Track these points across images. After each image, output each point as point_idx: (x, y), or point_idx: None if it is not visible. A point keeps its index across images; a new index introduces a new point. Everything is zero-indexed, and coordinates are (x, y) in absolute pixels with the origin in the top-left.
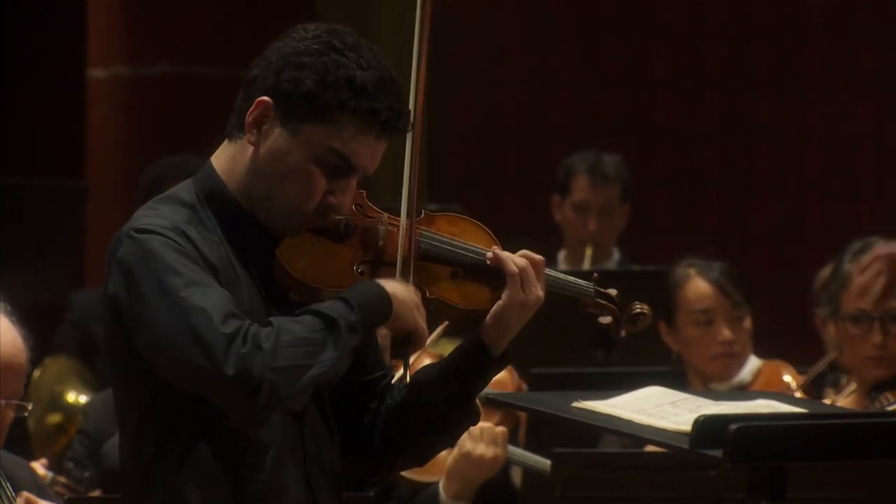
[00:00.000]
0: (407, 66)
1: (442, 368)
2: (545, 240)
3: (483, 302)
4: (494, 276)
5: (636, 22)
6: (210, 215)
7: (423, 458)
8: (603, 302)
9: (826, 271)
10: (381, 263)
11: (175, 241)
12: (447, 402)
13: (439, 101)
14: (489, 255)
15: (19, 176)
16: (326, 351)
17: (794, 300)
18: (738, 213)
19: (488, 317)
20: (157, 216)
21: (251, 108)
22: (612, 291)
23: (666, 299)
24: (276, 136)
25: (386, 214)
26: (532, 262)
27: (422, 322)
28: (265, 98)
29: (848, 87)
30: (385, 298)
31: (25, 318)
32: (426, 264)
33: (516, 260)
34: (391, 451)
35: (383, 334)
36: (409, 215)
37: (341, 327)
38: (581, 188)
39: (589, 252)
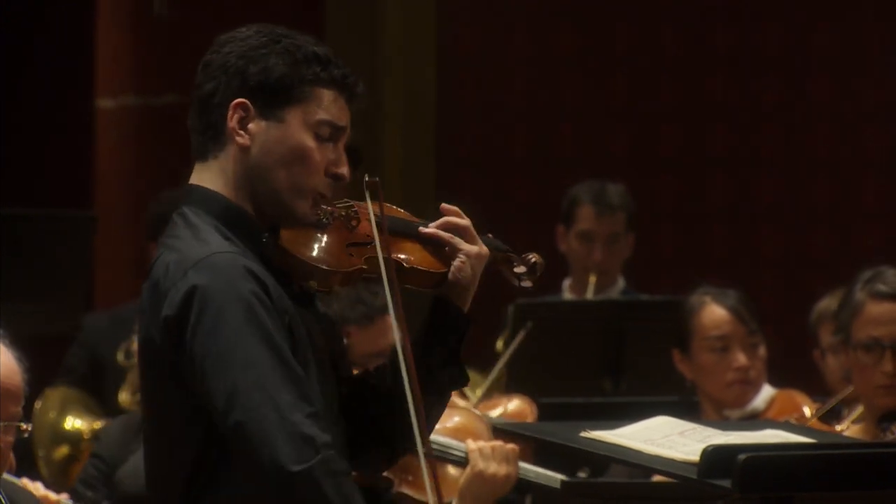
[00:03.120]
0: (412, 67)
1: (424, 339)
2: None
3: (442, 266)
4: (438, 243)
5: (642, 52)
6: (229, 232)
7: (430, 426)
8: (509, 255)
9: (823, 304)
10: (361, 243)
11: (255, 290)
12: (440, 367)
13: (446, 130)
14: (422, 230)
15: (27, 206)
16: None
17: (800, 330)
18: (745, 243)
19: (452, 275)
20: (214, 243)
21: (230, 114)
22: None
23: (680, 327)
24: (265, 131)
25: (347, 200)
26: (458, 216)
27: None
28: (241, 100)
29: (856, 116)
30: None
31: (33, 347)
32: (394, 239)
33: (453, 220)
34: (399, 433)
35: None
36: (373, 200)
37: None
38: (586, 218)
39: (593, 279)
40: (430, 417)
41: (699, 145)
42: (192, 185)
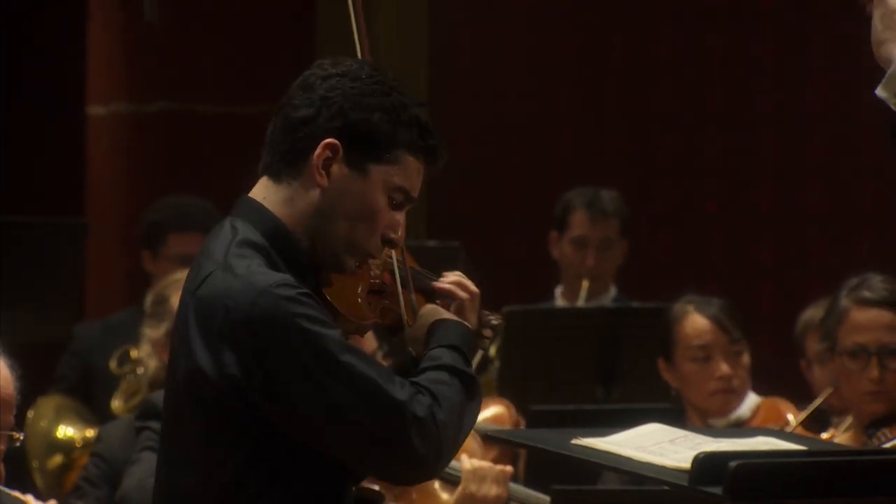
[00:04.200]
0: (405, 73)
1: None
2: (542, 275)
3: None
4: (432, 298)
5: (637, 59)
6: (278, 258)
7: None
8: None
9: (808, 315)
10: (378, 292)
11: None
12: None
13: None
14: (443, 282)
15: (18, 213)
16: (469, 416)
17: (795, 337)
18: (740, 250)
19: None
20: (265, 271)
21: (318, 151)
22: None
23: (664, 336)
24: (346, 178)
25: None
26: (470, 293)
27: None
28: (333, 140)
29: (850, 123)
30: (466, 330)
31: (25, 355)
32: (406, 293)
33: (467, 286)
34: None
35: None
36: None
37: (476, 388)
38: (579, 224)
39: (585, 285)
40: None
41: (694, 152)
42: (250, 197)
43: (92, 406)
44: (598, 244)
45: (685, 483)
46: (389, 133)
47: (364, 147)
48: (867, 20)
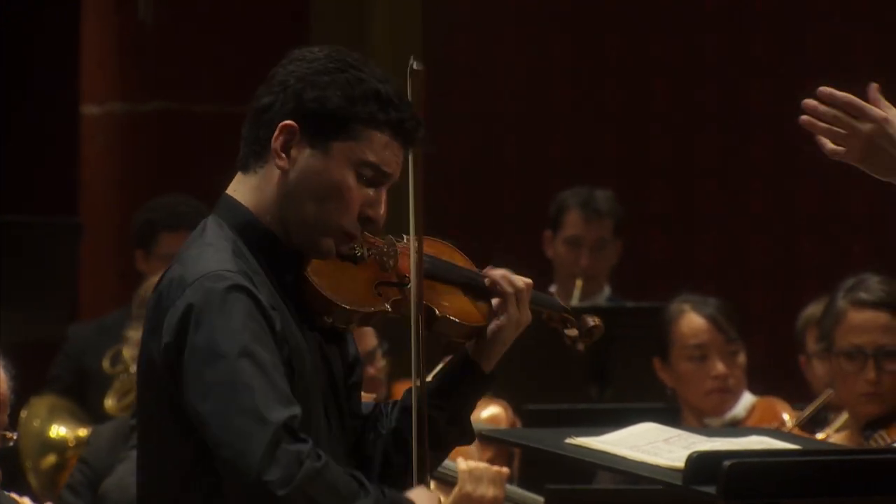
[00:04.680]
0: (399, 74)
1: (438, 391)
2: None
3: (479, 320)
4: (484, 295)
5: (632, 60)
6: (245, 248)
7: (422, 477)
8: (566, 315)
9: (809, 311)
10: (393, 284)
11: (251, 310)
12: (448, 422)
13: (435, 136)
14: (488, 276)
15: (12, 213)
16: None
17: (788, 338)
18: (733, 251)
19: (488, 334)
20: (218, 259)
21: (275, 134)
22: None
23: (660, 335)
24: (307, 158)
25: (391, 237)
26: (525, 283)
27: None
28: (289, 122)
29: None
30: None
31: (19, 354)
32: (433, 283)
33: (513, 280)
34: (393, 475)
35: (379, 367)
36: (416, 236)
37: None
38: (573, 223)
39: (579, 284)
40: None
41: (689, 153)
42: (225, 193)
43: (86, 406)
44: (592, 244)
45: (679, 482)
46: (345, 108)
47: (321, 125)
48: (862, 21)
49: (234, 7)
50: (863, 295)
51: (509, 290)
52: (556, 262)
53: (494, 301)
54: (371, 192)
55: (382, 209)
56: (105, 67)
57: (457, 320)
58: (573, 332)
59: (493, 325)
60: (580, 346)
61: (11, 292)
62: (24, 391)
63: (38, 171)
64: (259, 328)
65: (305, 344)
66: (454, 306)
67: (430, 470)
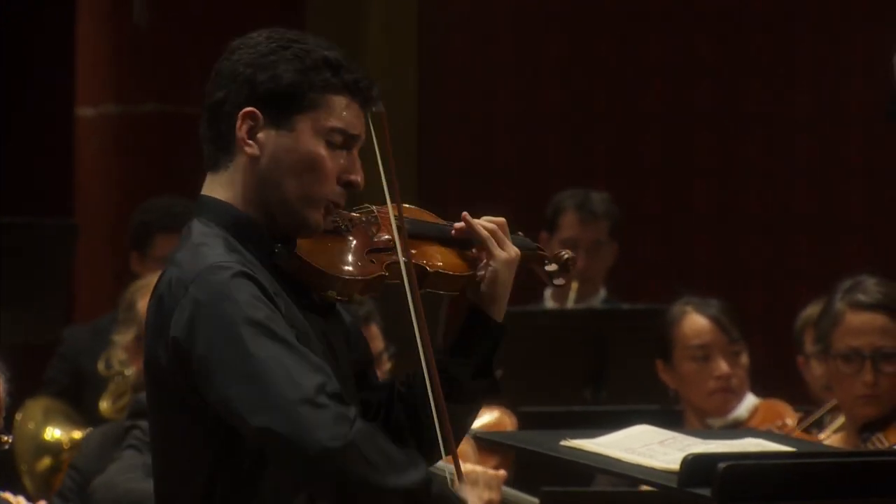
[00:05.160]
0: (396, 71)
1: (457, 348)
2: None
3: (468, 268)
4: (467, 245)
5: (626, 59)
6: (236, 242)
7: (460, 435)
8: (541, 253)
9: (808, 312)
10: (382, 249)
11: (255, 293)
12: (475, 376)
13: (430, 140)
14: (456, 224)
15: (7, 214)
16: (403, 477)
17: (784, 339)
18: (729, 252)
19: (485, 280)
20: (213, 254)
21: (238, 124)
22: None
23: (662, 337)
24: (275, 138)
25: (367, 205)
26: (496, 223)
27: None
28: (249, 108)
29: (838, 126)
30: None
31: (14, 356)
32: (416, 243)
33: (484, 224)
34: (426, 444)
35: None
36: (392, 200)
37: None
38: (569, 225)
39: (575, 286)
40: (463, 426)
41: (683, 154)
42: (202, 195)
43: (82, 409)
44: (587, 246)
45: (674, 485)
46: (300, 80)
47: (281, 103)
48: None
49: (229, 10)
50: (860, 297)
51: (484, 233)
52: None
53: (476, 248)
54: (343, 157)
55: (360, 172)
56: (100, 69)
57: (448, 272)
58: (552, 266)
59: (488, 271)
60: (560, 281)
61: (6, 293)
62: (19, 393)
63: (34, 172)
64: (269, 309)
65: (310, 327)
66: (442, 260)
67: (461, 429)
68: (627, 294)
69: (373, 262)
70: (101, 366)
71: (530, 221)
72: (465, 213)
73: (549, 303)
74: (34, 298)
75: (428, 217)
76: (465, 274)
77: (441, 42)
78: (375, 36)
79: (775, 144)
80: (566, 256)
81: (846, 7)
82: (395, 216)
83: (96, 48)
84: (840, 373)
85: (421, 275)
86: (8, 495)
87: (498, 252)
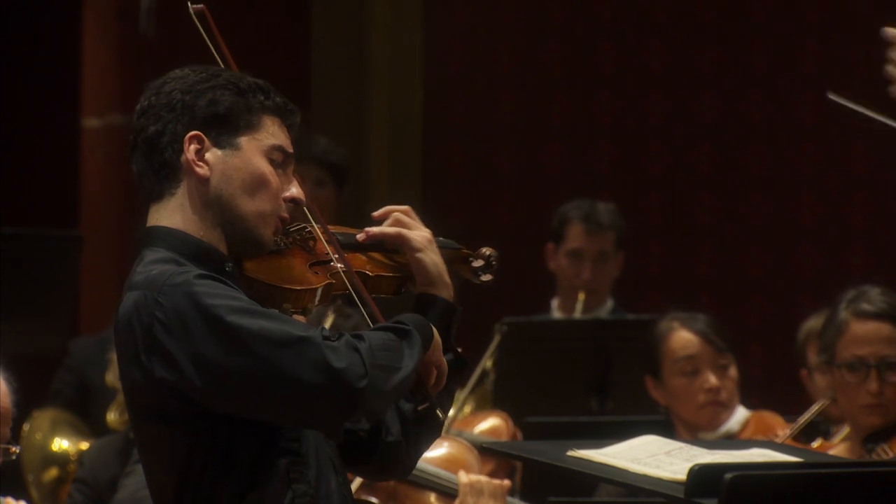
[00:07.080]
0: (399, 85)
1: None
2: (539, 288)
3: (401, 265)
4: (389, 248)
5: (628, 71)
6: (188, 263)
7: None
8: (464, 252)
9: (810, 324)
10: (322, 262)
11: (224, 286)
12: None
13: (434, 150)
14: (359, 236)
15: (13, 225)
16: (406, 357)
17: (786, 350)
18: (732, 263)
19: (415, 271)
20: (160, 271)
21: (186, 147)
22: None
23: (650, 353)
24: (223, 159)
25: (298, 223)
26: (400, 210)
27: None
28: (194, 132)
29: (840, 135)
30: (428, 325)
31: (19, 367)
32: (351, 253)
33: (390, 221)
34: (411, 442)
35: None
36: (315, 221)
37: (415, 338)
38: (575, 236)
39: (582, 297)
40: (441, 407)
41: (686, 164)
42: (149, 227)
43: (88, 420)
44: (593, 257)
45: (681, 495)
46: (238, 102)
47: (223, 125)
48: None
49: (234, 20)
50: (865, 306)
51: (392, 231)
52: (558, 274)
53: (396, 246)
54: (281, 175)
55: (299, 187)
56: (106, 80)
57: (387, 274)
58: (478, 262)
59: (411, 259)
60: (487, 277)
61: (12, 305)
62: (26, 404)
63: (39, 183)
64: (241, 294)
65: None
66: (376, 265)
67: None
68: (633, 305)
69: (317, 273)
70: (109, 377)
71: (533, 232)
72: (366, 229)
73: (557, 313)
74: (39, 309)
75: (352, 231)
76: (400, 274)
77: (444, 52)
78: (380, 45)
79: (778, 155)
80: (489, 253)
81: (849, 16)
82: (321, 231)
83: (102, 59)
84: (845, 382)
85: (364, 280)
86: (9, 500)
87: (412, 240)
